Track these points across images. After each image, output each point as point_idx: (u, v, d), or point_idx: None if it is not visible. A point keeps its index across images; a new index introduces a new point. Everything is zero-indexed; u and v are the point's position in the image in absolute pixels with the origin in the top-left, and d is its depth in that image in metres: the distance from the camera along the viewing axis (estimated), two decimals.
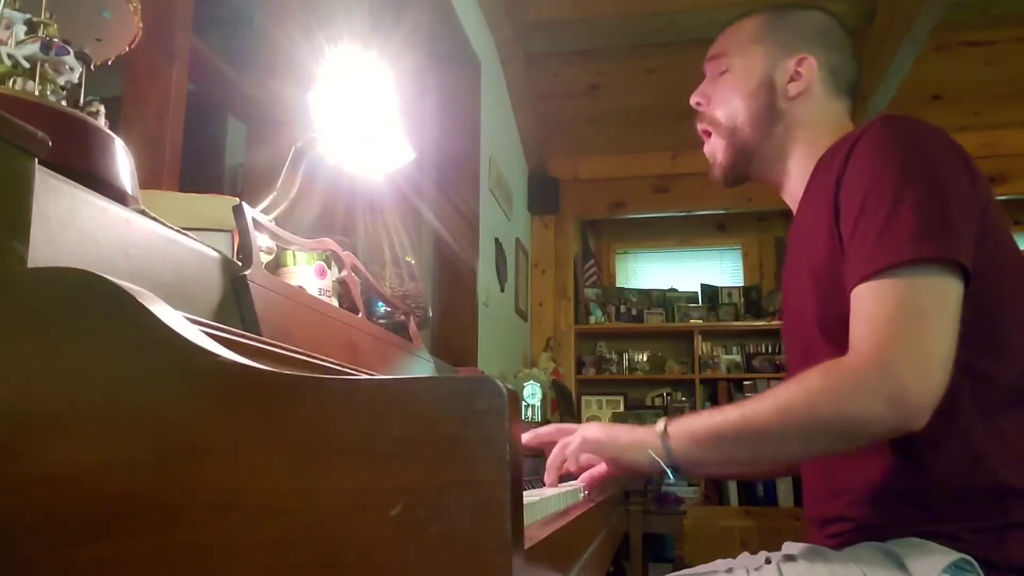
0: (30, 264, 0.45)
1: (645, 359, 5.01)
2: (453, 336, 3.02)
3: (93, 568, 0.40)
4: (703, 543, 3.92)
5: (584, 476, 1.06)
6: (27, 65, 0.58)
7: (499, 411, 0.39)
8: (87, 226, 0.52)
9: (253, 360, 0.43)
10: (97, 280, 0.43)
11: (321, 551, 0.38)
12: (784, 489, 4.36)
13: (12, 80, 0.58)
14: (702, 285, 5.15)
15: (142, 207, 0.63)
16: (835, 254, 0.89)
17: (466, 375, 0.46)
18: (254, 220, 0.82)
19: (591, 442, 1.00)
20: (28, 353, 0.43)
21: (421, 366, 1.32)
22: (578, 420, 4.64)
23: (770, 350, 4.83)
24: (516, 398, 0.41)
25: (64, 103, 0.60)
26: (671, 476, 1.12)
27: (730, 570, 0.96)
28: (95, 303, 0.43)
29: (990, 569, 0.81)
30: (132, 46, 0.74)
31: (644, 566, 2.91)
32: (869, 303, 0.82)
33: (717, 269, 5.36)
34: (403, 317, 1.36)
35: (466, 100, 3.24)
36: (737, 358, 4.88)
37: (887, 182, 0.85)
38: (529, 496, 0.69)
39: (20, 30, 0.59)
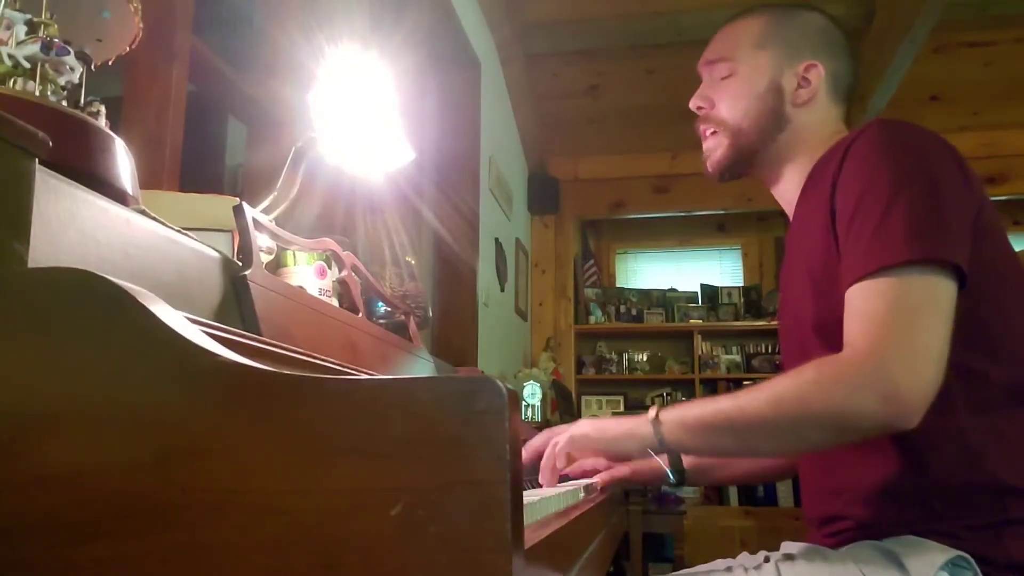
0: (30, 264, 0.45)
1: (645, 359, 5.01)
2: (453, 336, 3.02)
3: (93, 568, 0.40)
4: (703, 543, 3.92)
5: (603, 474, 1.06)
6: (27, 65, 0.58)
7: (499, 411, 0.39)
8: (87, 226, 0.52)
9: (253, 360, 0.43)
10: (97, 280, 0.43)
11: (321, 551, 0.38)
12: (784, 489, 4.37)
13: (12, 80, 0.58)
14: (702, 285, 5.15)
15: (142, 207, 0.63)
16: (831, 256, 0.90)
17: (466, 375, 0.46)
18: (254, 220, 0.82)
19: (579, 437, 1.00)
20: (28, 353, 0.43)
21: (421, 366, 1.32)
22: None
23: (770, 350, 4.83)
24: (516, 398, 0.41)
25: (64, 103, 0.60)
26: (671, 477, 1.12)
27: (729, 569, 0.96)
28: (95, 303, 0.43)
29: (988, 566, 0.81)
30: (132, 46, 0.74)
31: (644, 566, 2.91)
32: (863, 302, 0.82)
33: (717, 269, 5.36)
34: (403, 317, 1.36)
35: (466, 100, 3.24)
36: (737, 358, 4.88)
37: (881, 184, 0.85)
38: (529, 496, 0.69)
39: (20, 30, 0.59)
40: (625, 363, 5.00)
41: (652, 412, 0.93)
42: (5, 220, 0.44)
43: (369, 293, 1.21)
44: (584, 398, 4.95)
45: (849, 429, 0.82)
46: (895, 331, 0.79)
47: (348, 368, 0.73)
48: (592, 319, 4.96)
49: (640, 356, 5.03)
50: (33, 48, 0.59)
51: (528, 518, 0.57)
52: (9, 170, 0.45)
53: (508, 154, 3.97)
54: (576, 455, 1.04)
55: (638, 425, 0.94)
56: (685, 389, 4.90)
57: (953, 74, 3.94)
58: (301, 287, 0.97)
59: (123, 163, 0.63)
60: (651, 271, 5.46)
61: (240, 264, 0.76)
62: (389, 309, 1.35)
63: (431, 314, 2.18)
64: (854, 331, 0.82)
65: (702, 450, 1.03)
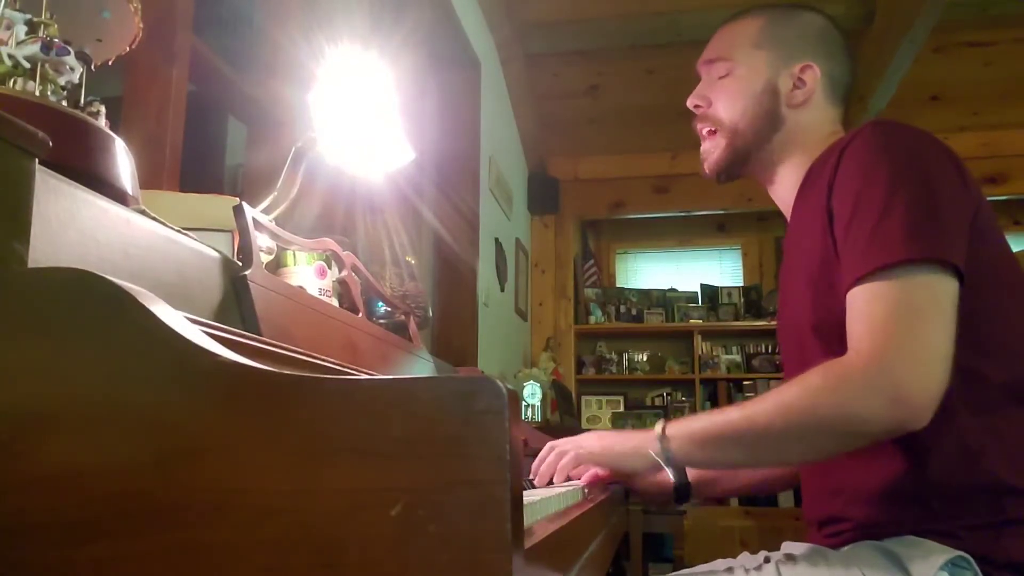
0: (30, 264, 0.45)
1: (645, 359, 5.01)
2: (453, 336, 3.02)
3: (93, 568, 0.40)
4: (703, 543, 3.91)
5: (586, 477, 1.06)
6: (27, 65, 0.58)
7: (499, 411, 0.39)
8: (87, 226, 0.52)
9: (253, 360, 0.43)
10: (97, 280, 0.43)
11: (321, 551, 0.38)
12: None
13: (12, 80, 0.58)
14: (702, 285, 5.15)
15: (142, 207, 0.63)
16: (829, 258, 0.90)
17: (466, 375, 0.46)
18: (254, 220, 0.82)
19: (585, 455, 1.00)
20: (28, 353, 0.43)
21: (421, 366, 1.32)
22: (578, 420, 4.65)
23: (770, 350, 4.83)
24: (516, 398, 0.41)
25: (64, 103, 0.60)
26: (677, 493, 1.11)
27: (730, 570, 0.96)
28: (95, 303, 0.43)
29: (987, 566, 0.81)
30: (132, 46, 0.74)
31: (644, 566, 2.91)
32: (865, 304, 0.82)
33: (717, 269, 5.36)
34: (403, 317, 1.36)
35: (466, 100, 3.24)
36: (737, 358, 4.88)
37: (878, 184, 0.85)
38: (529, 496, 0.69)
39: (20, 30, 0.59)
40: (625, 363, 5.00)
41: (659, 428, 0.93)
42: (5, 220, 0.44)
43: (369, 293, 1.21)
44: (584, 398, 4.95)
45: (859, 434, 0.82)
46: (899, 332, 0.79)
47: (348, 368, 0.73)
48: (592, 319, 4.96)
49: (640, 356, 5.03)
50: (33, 48, 0.59)
51: (528, 518, 0.57)
52: (9, 170, 0.45)
53: (508, 154, 3.97)
54: (577, 473, 1.05)
55: (645, 442, 0.94)
56: (685, 389, 4.90)
57: (953, 74, 3.94)
58: (301, 287, 0.97)
59: (123, 163, 0.63)
60: (651, 271, 5.46)
61: (240, 264, 0.76)
62: (389, 309, 1.35)
63: (431, 314, 2.18)
64: (857, 334, 0.82)
65: (711, 463, 1.03)
